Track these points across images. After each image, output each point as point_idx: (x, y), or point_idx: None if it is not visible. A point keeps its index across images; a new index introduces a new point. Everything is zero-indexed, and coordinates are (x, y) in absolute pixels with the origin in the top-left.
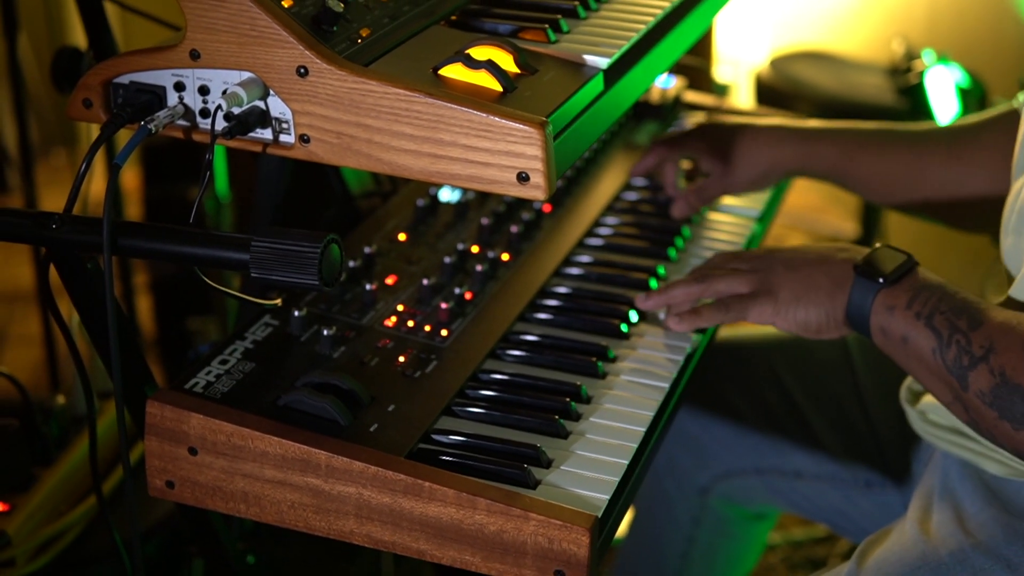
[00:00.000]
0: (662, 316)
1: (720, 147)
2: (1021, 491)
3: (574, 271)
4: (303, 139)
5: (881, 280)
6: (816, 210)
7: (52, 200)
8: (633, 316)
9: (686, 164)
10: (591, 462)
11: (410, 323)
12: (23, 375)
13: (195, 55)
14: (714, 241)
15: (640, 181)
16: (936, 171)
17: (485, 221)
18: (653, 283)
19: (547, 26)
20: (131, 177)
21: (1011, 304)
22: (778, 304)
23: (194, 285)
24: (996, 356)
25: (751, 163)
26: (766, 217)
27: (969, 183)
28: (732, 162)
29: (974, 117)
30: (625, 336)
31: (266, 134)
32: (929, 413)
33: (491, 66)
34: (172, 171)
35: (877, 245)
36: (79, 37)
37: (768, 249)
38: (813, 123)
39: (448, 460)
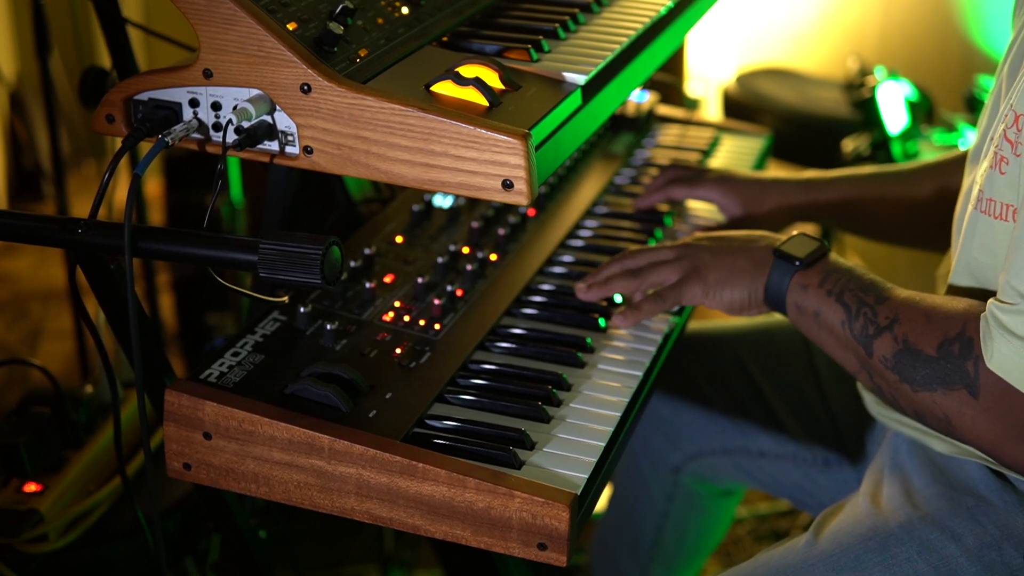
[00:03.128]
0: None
1: (732, 197)
2: (964, 468)
3: (557, 270)
4: (307, 150)
5: (797, 263)
6: None
7: (82, 207)
8: (609, 311)
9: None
10: (571, 444)
11: (406, 318)
12: (56, 366)
13: (208, 74)
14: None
15: (618, 188)
16: (927, 203)
17: (475, 224)
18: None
19: (530, 46)
20: (154, 185)
21: (953, 291)
22: (707, 286)
23: (212, 283)
24: (900, 325)
25: (764, 209)
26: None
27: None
28: (747, 212)
29: (957, 153)
30: (602, 329)
31: (273, 146)
32: None
33: (478, 83)
34: (192, 180)
35: (794, 232)
36: (105, 58)
37: (694, 239)
38: (812, 173)
39: (440, 443)
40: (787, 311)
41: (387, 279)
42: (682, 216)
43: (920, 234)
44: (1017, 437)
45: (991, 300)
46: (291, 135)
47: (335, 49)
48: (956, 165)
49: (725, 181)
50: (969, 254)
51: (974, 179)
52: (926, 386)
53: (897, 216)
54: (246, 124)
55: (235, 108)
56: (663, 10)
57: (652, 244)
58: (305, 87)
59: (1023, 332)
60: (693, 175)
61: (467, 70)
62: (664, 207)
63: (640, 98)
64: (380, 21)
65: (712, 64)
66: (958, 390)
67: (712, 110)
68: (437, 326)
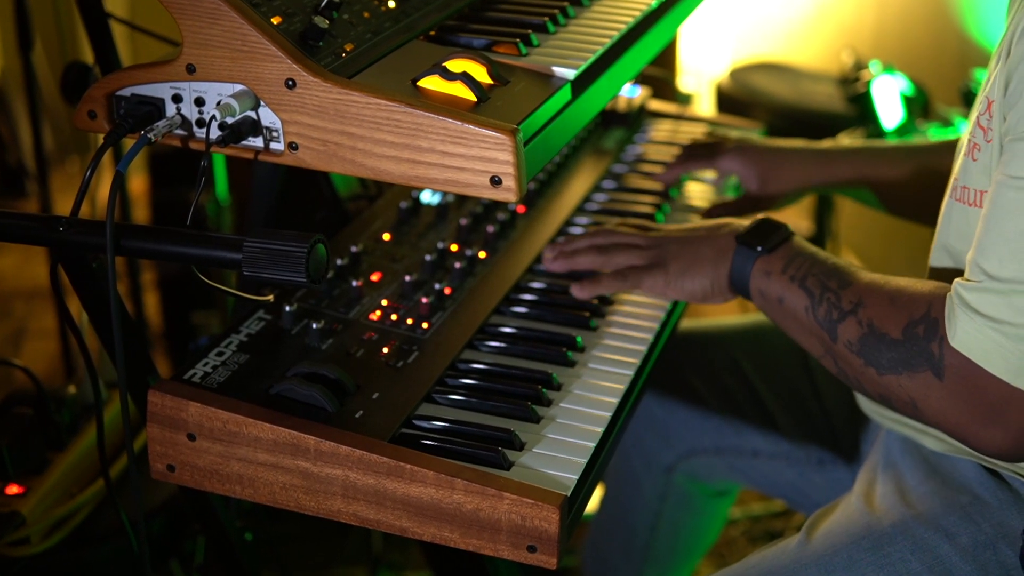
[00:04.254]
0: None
1: (752, 166)
2: (958, 466)
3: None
4: (292, 146)
5: (759, 248)
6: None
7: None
8: (600, 310)
9: (710, 173)
10: (561, 444)
11: (393, 317)
12: (40, 366)
13: (191, 69)
14: None
15: (610, 184)
16: (940, 180)
17: (463, 221)
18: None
19: (518, 40)
20: (139, 182)
21: (933, 273)
22: (668, 276)
23: (197, 282)
24: (864, 309)
25: (782, 181)
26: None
27: None
28: (764, 180)
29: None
30: (593, 328)
31: (257, 142)
32: None
33: (466, 78)
34: (177, 176)
35: (758, 217)
36: (88, 53)
37: (666, 228)
38: (827, 143)
39: (428, 444)
40: (751, 297)
41: (374, 277)
42: (676, 207)
43: (927, 211)
44: (983, 419)
45: (956, 280)
46: (276, 131)
47: (320, 43)
48: None
49: (744, 150)
50: (946, 242)
51: (955, 170)
52: (891, 369)
53: (914, 192)
54: (230, 120)
55: (219, 104)
56: (655, 3)
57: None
58: (290, 82)
59: (986, 310)
60: (712, 147)
61: (455, 64)
62: (649, 207)
63: (631, 93)
64: (366, 15)
65: (705, 58)
66: (923, 372)
67: (705, 105)
68: (425, 325)
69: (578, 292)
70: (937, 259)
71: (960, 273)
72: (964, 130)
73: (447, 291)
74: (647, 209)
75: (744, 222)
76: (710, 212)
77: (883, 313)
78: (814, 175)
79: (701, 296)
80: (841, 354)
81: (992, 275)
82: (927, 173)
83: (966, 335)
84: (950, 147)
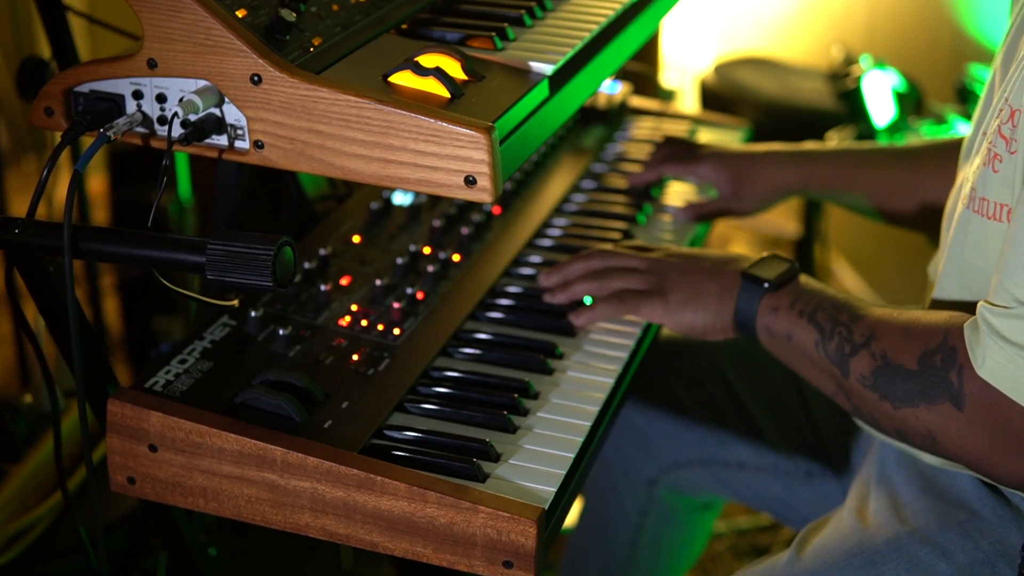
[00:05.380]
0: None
1: (725, 173)
2: (955, 480)
3: (524, 271)
4: (257, 145)
5: (766, 285)
6: None
7: (22, 206)
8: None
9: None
10: (538, 456)
11: (364, 322)
12: None
13: (152, 64)
14: (659, 242)
15: (589, 183)
16: (929, 184)
17: (437, 223)
18: (587, 299)
19: (494, 34)
20: (98, 182)
21: (941, 295)
22: (668, 306)
23: (158, 286)
24: (877, 342)
25: (755, 187)
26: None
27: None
28: (737, 187)
29: (957, 136)
30: (572, 334)
31: (222, 140)
32: None
33: (439, 73)
34: (138, 176)
35: (765, 254)
36: (45, 47)
37: (666, 252)
38: (809, 145)
39: (400, 455)
40: (758, 335)
41: (343, 281)
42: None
43: (916, 217)
44: (1006, 449)
45: (982, 303)
46: (241, 129)
47: (287, 37)
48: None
49: (717, 157)
50: (960, 255)
51: (966, 176)
52: (908, 402)
53: (894, 197)
54: (193, 117)
55: (181, 100)
56: None
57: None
58: (255, 78)
59: (1017, 338)
60: (687, 152)
61: (427, 59)
62: (630, 208)
63: (611, 89)
64: (335, 8)
65: (688, 53)
66: (942, 403)
67: (688, 102)
68: (396, 331)
69: (575, 320)
70: (951, 273)
71: (970, 301)
72: (970, 131)
73: (420, 296)
74: (628, 211)
75: (750, 257)
76: (685, 211)
77: (897, 344)
78: (791, 179)
79: (701, 331)
80: (854, 390)
81: (1022, 301)
82: (919, 177)
83: (995, 364)
84: (944, 149)
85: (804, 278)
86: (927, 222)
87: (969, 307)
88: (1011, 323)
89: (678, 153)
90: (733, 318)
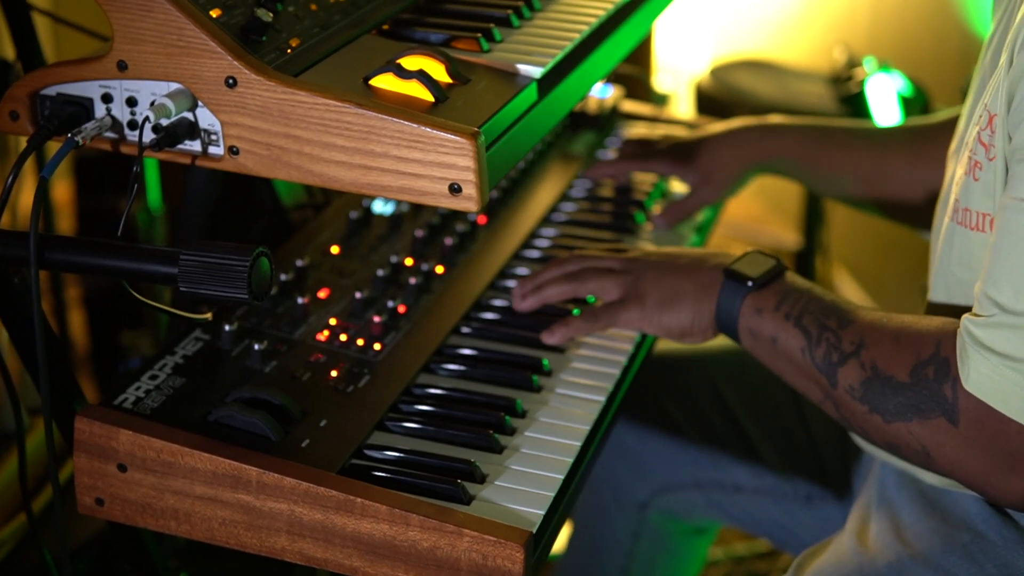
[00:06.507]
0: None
1: (687, 163)
2: (958, 502)
3: (510, 284)
4: (232, 151)
5: (750, 284)
6: (757, 220)
7: None
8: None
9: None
10: (526, 477)
11: (343, 337)
12: None
13: (122, 66)
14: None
15: (579, 192)
16: (900, 169)
17: (419, 233)
18: (591, 298)
19: (480, 35)
20: (63, 190)
21: (934, 306)
22: (645, 310)
23: (127, 299)
24: (867, 351)
25: (719, 170)
26: (703, 229)
27: (931, 181)
28: (702, 174)
29: (932, 118)
30: (561, 349)
31: (195, 146)
32: None
33: (422, 76)
34: (104, 183)
35: (748, 251)
36: (8, 48)
37: (644, 253)
38: (775, 118)
39: (381, 476)
40: (740, 337)
41: (321, 294)
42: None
43: (884, 205)
44: (1003, 466)
45: (965, 315)
46: (215, 134)
47: (263, 38)
48: (929, 140)
49: (675, 150)
50: (947, 269)
51: (951, 187)
52: (900, 416)
53: (861, 180)
54: (165, 122)
55: (153, 104)
56: None
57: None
58: (230, 80)
59: (1001, 347)
60: (646, 148)
61: (410, 62)
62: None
63: (602, 93)
64: (313, 7)
65: (683, 55)
66: (935, 418)
67: (683, 106)
68: (377, 346)
69: (548, 338)
70: (939, 288)
71: (966, 306)
72: (954, 141)
73: (401, 309)
74: (618, 221)
75: (731, 254)
76: (663, 216)
77: (888, 354)
78: (756, 154)
79: (679, 333)
80: (842, 400)
81: (1005, 308)
82: (886, 162)
83: (980, 376)
84: (916, 133)
85: (790, 276)
86: (896, 212)
87: (960, 315)
88: (994, 332)
89: (638, 151)
90: (714, 318)
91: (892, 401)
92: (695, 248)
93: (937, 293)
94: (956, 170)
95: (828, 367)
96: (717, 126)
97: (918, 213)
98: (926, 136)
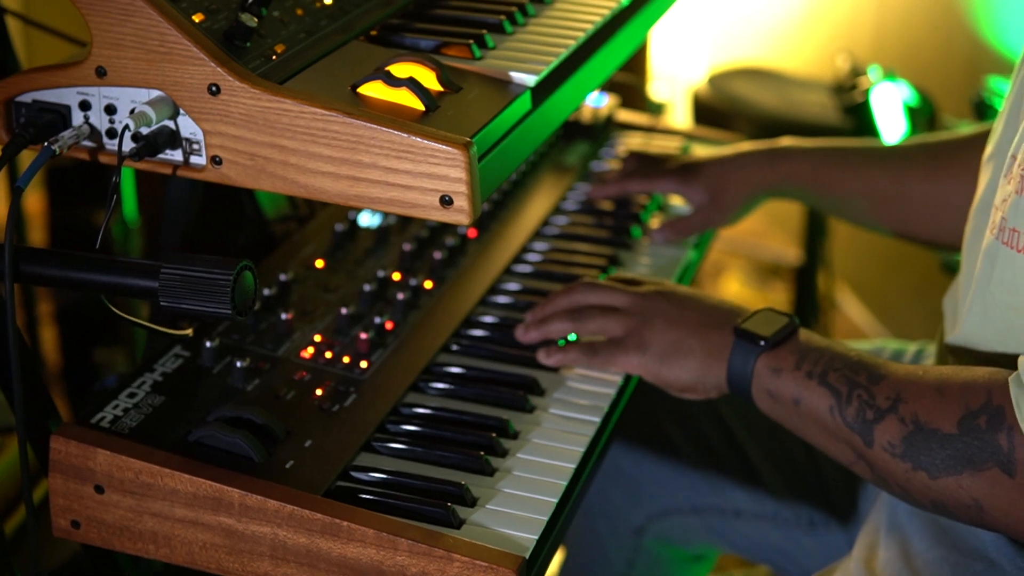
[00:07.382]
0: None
1: (694, 185)
2: (972, 529)
3: (501, 299)
4: (215, 160)
5: (762, 343)
6: (757, 235)
7: None
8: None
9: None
10: (518, 500)
11: (328, 354)
12: None
13: (101, 72)
14: (647, 270)
15: (573, 204)
16: (918, 187)
17: (407, 247)
18: None
19: (472, 42)
20: (35, 201)
21: (968, 329)
22: (645, 358)
23: (102, 314)
24: (905, 405)
25: (727, 193)
26: (702, 244)
27: (951, 200)
28: (713, 197)
29: (949, 134)
30: (554, 368)
31: (176, 155)
32: None
33: (412, 84)
34: (78, 194)
35: (759, 308)
36: None
37: (658, 293)
38: (786, 141)
39: (368, 498)
40: (755, 399)
41: (305, 309)
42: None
43: (903, 228)
44: None
45: (1022, 358)
46: (197, 143)
47: (248, 44)
48: (948, 156)
49: (684, 169)
50: (986, 289)
51: (990, 201)
52: (948, 470)
53: (877, 204)
54: (145, 130)
55: (132, 112)
56: (624, 1)
57: (609, 276)
58: (213, 88)
59: None
60: (651, 166)
61: (400, 69)
62: (614, 233)
63: (598, 102)
64: (299, 12)
65: (680, 63)
66: (989, 469)
67: (680, 115)
68: (364, 364)
69: (544, 359)
70: (976, 309)
71: (1004, 326)
72: (989, 148)
73: (389, 326)
74: (613, 235)
75: (745, 309)
76: (662, 231)
77: (931, 406)
78: (766, 178)
79: (678, 388)
80: (879, 460)
81: None
82: (905, 183)
83: None
84: (935, 150)
85: (805, 333)
86: (916, 233)
87: (1003, 359)
88: None
89: (642, 168)
90: (725, 380)
91: (939, 455)
92: (711, 297)
93: (973, 314)
94: (1000, 183)
95: (862, 425)
96: (726, 149)
97: (940, 233)
98: (946, 153)
